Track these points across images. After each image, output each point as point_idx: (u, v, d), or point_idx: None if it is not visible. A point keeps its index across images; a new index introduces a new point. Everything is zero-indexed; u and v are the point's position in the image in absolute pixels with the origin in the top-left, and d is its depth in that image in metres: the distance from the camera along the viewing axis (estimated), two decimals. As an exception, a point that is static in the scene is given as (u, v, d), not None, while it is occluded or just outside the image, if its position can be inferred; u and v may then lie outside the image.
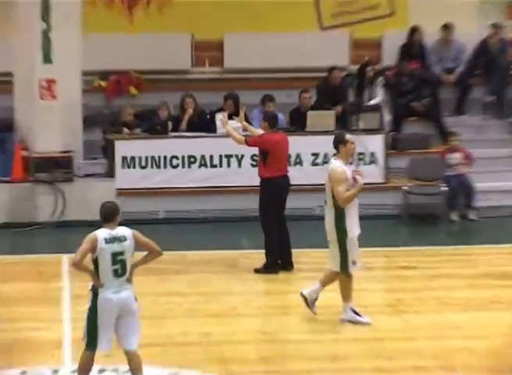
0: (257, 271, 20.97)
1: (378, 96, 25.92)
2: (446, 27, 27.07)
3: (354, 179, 16.98)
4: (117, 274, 13.67)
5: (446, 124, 25.95)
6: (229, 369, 15.72)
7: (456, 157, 24.56)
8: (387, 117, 25.87)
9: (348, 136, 17.87)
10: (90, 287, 13.75)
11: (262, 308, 19.56)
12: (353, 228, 17.64)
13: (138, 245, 13.79)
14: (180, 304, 19.29)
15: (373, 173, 24.51)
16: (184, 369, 15.87)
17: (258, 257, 21.27)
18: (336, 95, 25.86)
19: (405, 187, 24.49)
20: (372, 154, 25.13)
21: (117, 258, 13.70)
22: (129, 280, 13.71)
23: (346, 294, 17.73)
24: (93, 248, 13.45)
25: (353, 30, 27.52)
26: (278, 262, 20.98)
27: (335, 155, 17.73)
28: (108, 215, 13.66)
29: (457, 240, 24.00)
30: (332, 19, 27.39)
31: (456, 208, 25.03)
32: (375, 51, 27.45)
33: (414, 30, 26.79)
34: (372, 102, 25.95)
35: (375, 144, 25.34)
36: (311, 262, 21.52)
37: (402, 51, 26.86)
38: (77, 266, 13.51)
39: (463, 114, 26.84)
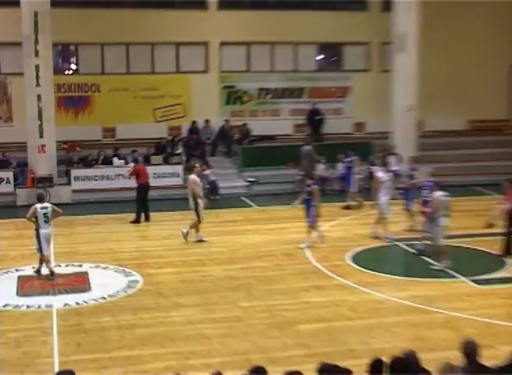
0: (131, 222, 21.25)
1: (180, 149, 26.45)
2: (207, 121, 27.33)
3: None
4: (46, 222, 15.51)
5: (207, 160, 26.03)
6: (121, 263, 16.87)
7: (208, 173, 24.61)
8: (184, 158, 26.12)
9: (197, 164, 20.10)
10: (34, 228, 15.61)
11: (134, 237, 20.26)
12: (202, 202, 18.77)
13: (53, 210, 15.72)
14: (98, 237, 19.87)
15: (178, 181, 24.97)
16: (101, 264, 16.84)
17: (132, 215, 21.48)
18: (163, 149, 26.30)
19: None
20: (178, 174, 25.31)
21: (45, 215, 15.53)
22: (50, 224, 15.58)
23: (195, 228, 18.86)
24: (34, 211, 15.42)
25: (169, 122, 27.56)
26: (140, 218, 21.35)
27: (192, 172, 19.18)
28: (40, 198, 15.74)
29: (214, 207, 23.00)
30: (160, 117, 27.44)
31: (214, 194, 24.87)
32: (178, 131, 27.42)
33: (193, 123, 27.18)
34: (177, 152, 26.36)
35: (178, 169, 25.39)
36: (158, 219, 21.65)
37: (189, 131, 27.12)
38: (28, 219, 15.59)
39: (215, 156, 27.15)
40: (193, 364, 11.18)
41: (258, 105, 28.43)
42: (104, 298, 14.58)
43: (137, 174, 21.82)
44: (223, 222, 21.01)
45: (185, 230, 19.01)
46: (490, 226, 17.69)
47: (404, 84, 25.75)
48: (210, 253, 18.07)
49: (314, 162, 25.39)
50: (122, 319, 13.43)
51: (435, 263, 16.64)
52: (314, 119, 28.06)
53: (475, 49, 28.76)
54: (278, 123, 28.16)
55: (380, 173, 19.30)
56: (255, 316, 13.59)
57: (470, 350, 7.24)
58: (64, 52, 27.79)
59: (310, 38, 28.01)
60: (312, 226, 18.38)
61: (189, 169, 22.76)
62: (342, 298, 14.51)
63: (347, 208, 23.04)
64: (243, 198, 25.05)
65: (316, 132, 27.95)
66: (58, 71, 25.76)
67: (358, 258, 17.36)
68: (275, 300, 14.38)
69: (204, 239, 19.09)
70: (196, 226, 19.10)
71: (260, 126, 27.76)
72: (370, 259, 17.39)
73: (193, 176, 19.18)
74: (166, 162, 25.89)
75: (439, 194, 16.55)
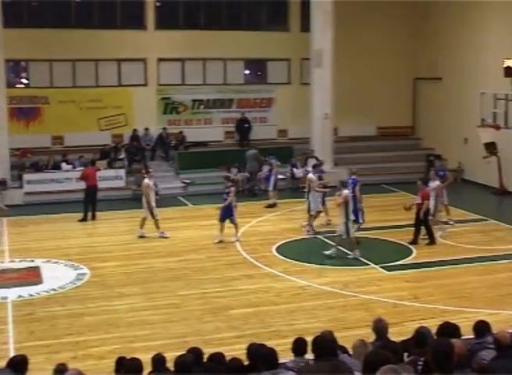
0: (79, 221, 20.80)
1: (122, 155, 25.77)
2: (147, 129, 26.58)
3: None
4: None
5: (147, 165, 24.67)
6: (70, 257, 16.49)
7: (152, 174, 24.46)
8: (126, 162, 25.51)
9: (150, 169, 19.86)
10: None
11: (82, 234, 19.53)
12: (154, 203, 18.58)
13: None
14: (48, 235, 19.37)
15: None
16: (52, 259, 16.63)
17: (80, 214, 20.89)
18: (107, 155, 25.57)
19: (135, 187, 23.70)
20: (121, 177, 24.67)
21: None
22: None
23: (142, 225, 18.63)
24: None
25: (113, 131, 26.91)
26: (87, 217, 20.94)
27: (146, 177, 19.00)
28: None
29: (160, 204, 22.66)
30: (104, 126, 26.81)
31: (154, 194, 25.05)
32: (121, 138, 26.79)
33: (134, 130, 26.62)
34: (120, 157, 25.65)
35: (120, 172, 24.68)
36: (103, 218, 21.24)
37: (131, 138, 26.57)
38: None
39: (154, 160, 26.38)
40: (137, 347, 11.20)
41: (192, 115, 28.18)
42: (54, 290, 14.51)
43: (86, 178, 21.63)
44: (162, 219, 20.34)
45: (158, 233, 18.96)
46: (409, 208, 17.93)
47: (321, 95, 26.05)
48: (150, 247, 17.95)
49: (260, 164, 25.35)
50: (71, 308, 13.43)
51: (349, 253, 16.90)
52: (243, 127, 28.11)
53: (383, 65, 29.16)
54: (210, 131, 28.08)
55: (311, 175, 19.39)
56: (192, 302, 13.74)
57: (380, 328, 7.38)
58: (16, 68, 27.35)
59: (237, 55, 28.17)
60: (234, 222, 18.46)
61: (136, 173, 22.87)
62: (269, 285, 14.70)
63: (270, 206, 22.94)
64: (180, 198, 24.68)
65: (244, 138, 28.03)
66: (10, 85, 25.30)
67: (283, 250, 17.53)
68: (209, 288, 14.52)
69: (146, 235, 18.97)
70: (143, 223, 18.99)
71: (194, 133, 27.63)
72: (293, 250, 17.49)
73: (146, 181, 19.10)
74: (110, 166, 25.45)
75: (346, 191, 16.75)
